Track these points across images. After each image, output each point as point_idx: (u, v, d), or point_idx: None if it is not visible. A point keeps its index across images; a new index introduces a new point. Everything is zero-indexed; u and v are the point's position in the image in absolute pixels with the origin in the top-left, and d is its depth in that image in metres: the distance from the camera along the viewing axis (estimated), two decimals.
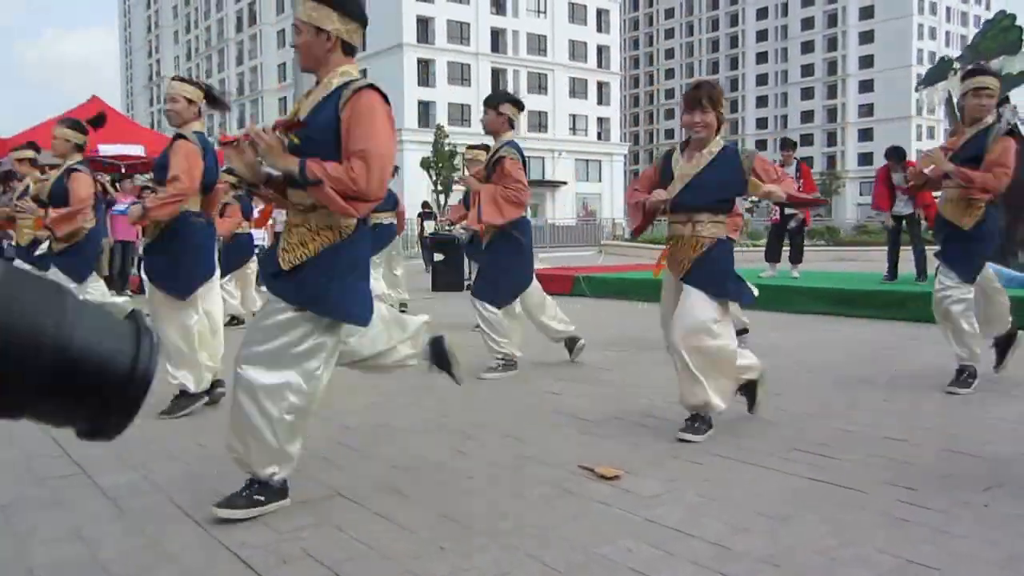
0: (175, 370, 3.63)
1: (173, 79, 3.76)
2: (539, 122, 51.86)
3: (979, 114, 3.98)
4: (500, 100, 4.73)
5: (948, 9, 76.97)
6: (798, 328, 6.39)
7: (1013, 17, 9.41)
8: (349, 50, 2.43)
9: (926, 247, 8.26)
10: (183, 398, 3.67)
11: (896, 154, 8.20)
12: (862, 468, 2.76)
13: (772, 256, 9.29)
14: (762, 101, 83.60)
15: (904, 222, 8.33)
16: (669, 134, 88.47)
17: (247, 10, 63.15)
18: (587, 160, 53.30)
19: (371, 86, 2.36)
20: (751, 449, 3.00)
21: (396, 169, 9.15)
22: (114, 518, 2.38)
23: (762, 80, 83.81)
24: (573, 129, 53.34)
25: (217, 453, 3.00)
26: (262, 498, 2.35)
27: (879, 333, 5.97)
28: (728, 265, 3.27)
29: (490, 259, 4.79)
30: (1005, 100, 9.25)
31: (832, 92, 78.04)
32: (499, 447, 3.10)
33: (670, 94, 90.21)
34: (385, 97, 2.39)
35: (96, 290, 4.65)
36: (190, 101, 3.67)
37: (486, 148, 5.45)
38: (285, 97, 54.73)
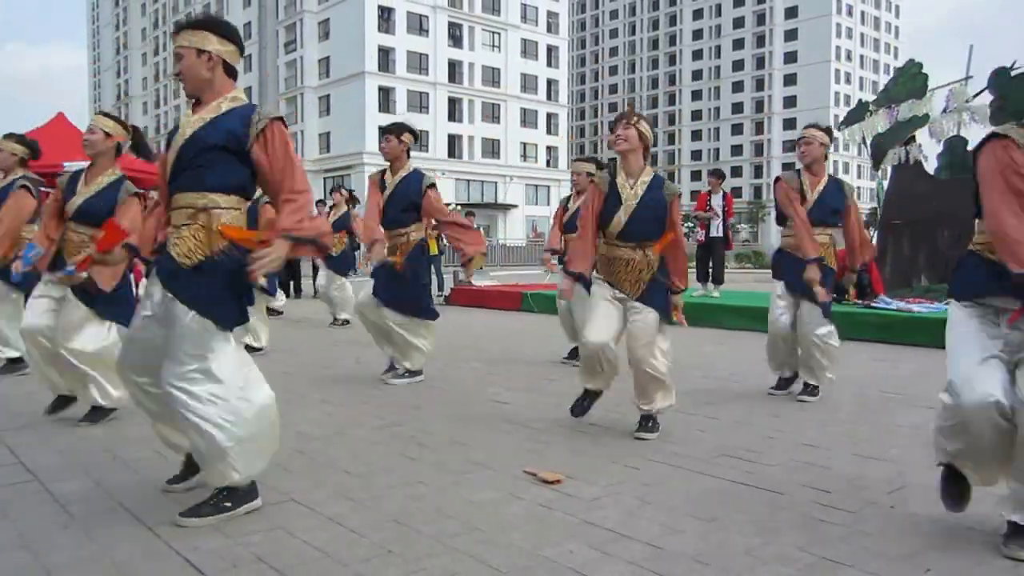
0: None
1: (98, 114, 3.66)
2: (492, 149, 52.05)
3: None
4: (402, 129, 4.59)
5: (862, 57, 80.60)
6: (728, 343, 6.53)
7: (920, 65, 9.88)
8: (231, 72, 2.41)
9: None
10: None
11: None
12: (783, 472, 2.82)
13: (702, 276, 9.47)
14: (696, 135, 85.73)
15: None
16: (611, 162, 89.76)
17: None
18: (536, 185, 53.61)
19: (280, 118, 2.37)
20: (684, 455, 3.03)
21: (355, 197, 9.11)
22: (63, 525, 2.26)
23: (696, 116, 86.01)
24: (524, 156, 53.68)
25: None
26: (229, 504, 2.30)
27: None
28: None
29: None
30: (912, 139, 9.71)
31: (759, 128, 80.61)
32: (448, 453, 3.06)
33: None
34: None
35: None
36: (108, 135, 3.52)
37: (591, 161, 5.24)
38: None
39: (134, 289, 3.96)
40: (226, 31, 2.39)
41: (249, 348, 5.69)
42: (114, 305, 3.51)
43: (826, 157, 4.23)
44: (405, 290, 4.51)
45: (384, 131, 4.62)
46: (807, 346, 4.12)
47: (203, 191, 2.31)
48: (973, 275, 2.17)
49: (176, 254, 2.29)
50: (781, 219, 4.29)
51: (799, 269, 4.05)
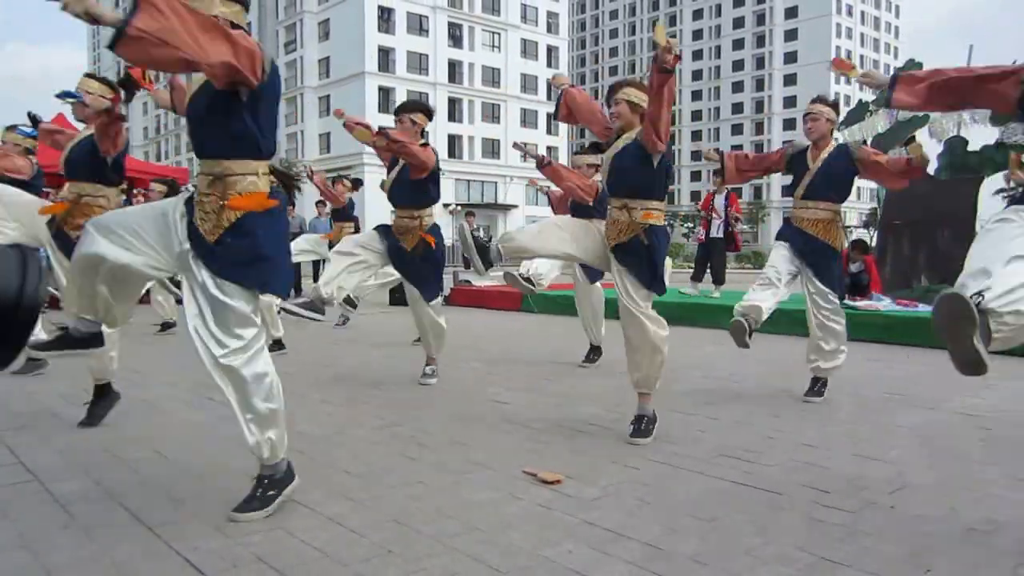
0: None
1: (84, 76, 3.55)
2: (492, 149, 52.09)
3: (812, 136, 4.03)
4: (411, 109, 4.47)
5: (862, 57, 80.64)
6: (728, 343, 6.51)
7: (920, 65, 9.90)
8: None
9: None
10: None
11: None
12: (782, 472, 2.82)
13: (698, 275, 9.48)
14: (696, 135, 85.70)
15: None
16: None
17: None
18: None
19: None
20: (684, 455, 3.03)
21: (359, 183, 9.12)
22: (63, 525, 2.26)
23: (696, 116, 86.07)
24: (524, 156, 53.82)
25: (173, 460, 2.90)
26: (274, 492, 2.35)
27: (799, 347, 6.13)
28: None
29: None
30: (912, 139, 9.72)
31: (759, 128, 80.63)
32: (448, 453, 3.06)
33: None
34: None
35: None
36: (89, 95, 3.45)
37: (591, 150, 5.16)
38: None
39: None
40: None
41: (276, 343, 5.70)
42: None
43: (832, 132, 4.07)
44: (421, 268, 4.48)
45: (396, 112, 4.52)
46: (817, 324, 4.11)
47: (217, 158, 2.29)
48: None
49: (204, 230, 2.26)
50: (789, 188, 4.24)
51: (802, 240, 4.05)
